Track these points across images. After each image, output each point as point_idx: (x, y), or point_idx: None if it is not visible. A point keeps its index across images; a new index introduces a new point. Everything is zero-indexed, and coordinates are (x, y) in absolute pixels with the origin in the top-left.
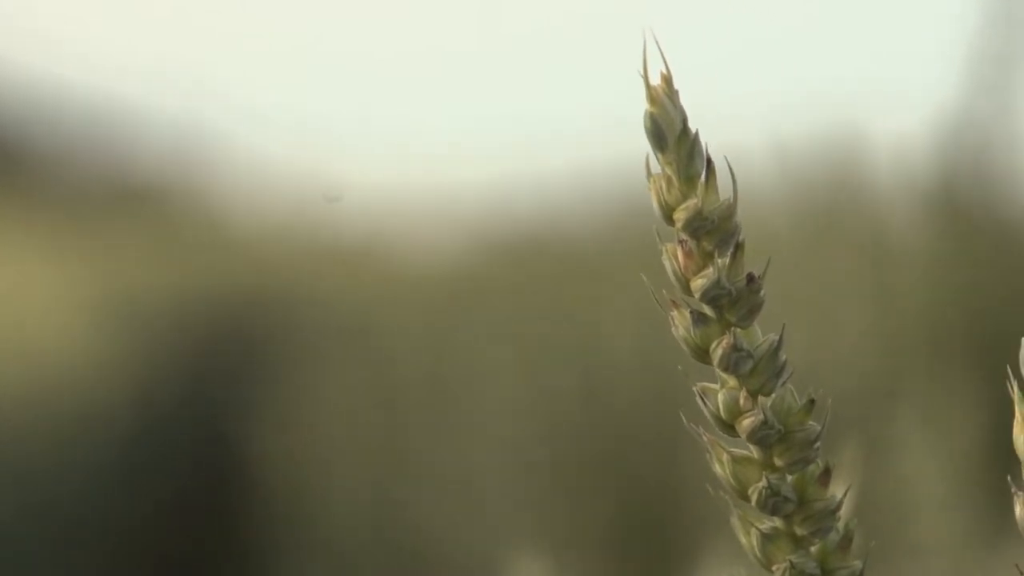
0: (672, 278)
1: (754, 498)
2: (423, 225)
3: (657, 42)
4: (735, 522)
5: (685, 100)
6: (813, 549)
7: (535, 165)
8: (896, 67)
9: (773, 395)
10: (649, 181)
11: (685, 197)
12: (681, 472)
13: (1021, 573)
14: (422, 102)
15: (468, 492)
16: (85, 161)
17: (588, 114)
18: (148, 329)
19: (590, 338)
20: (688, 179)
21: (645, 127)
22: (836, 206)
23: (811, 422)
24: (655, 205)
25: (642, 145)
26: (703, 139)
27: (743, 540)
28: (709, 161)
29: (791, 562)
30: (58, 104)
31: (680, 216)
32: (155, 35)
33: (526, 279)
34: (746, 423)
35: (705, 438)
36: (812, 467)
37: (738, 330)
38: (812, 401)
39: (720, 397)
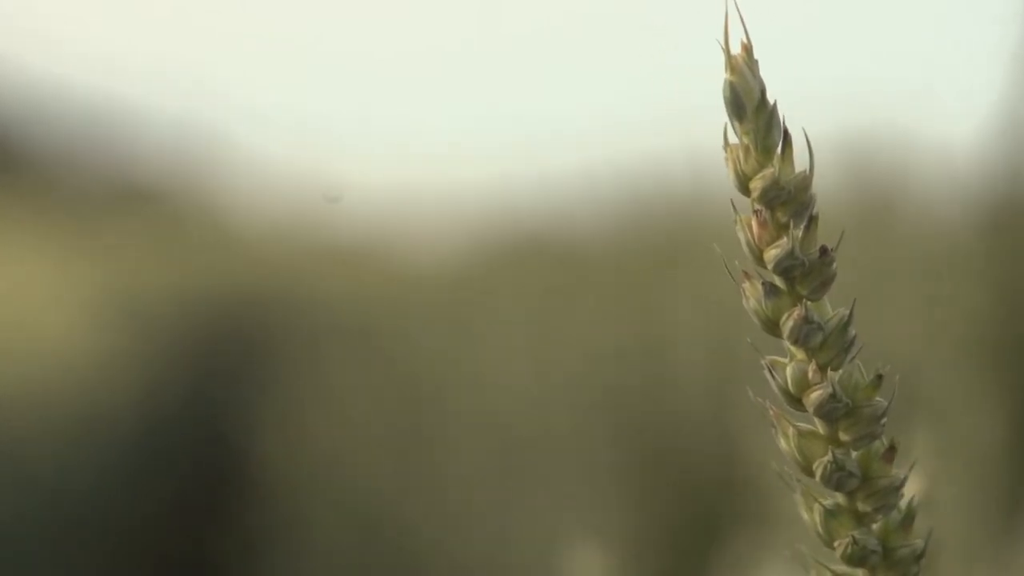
0: (745, 249)
1: (819, 473)
2: (423, 225)
3: (739, 11)
4: (798, 498)
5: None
6: (875, 526)
7: (535, 165)
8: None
9: (841, 369)
10: (726, 151)
11: (762, 167)
12: (687, 471)
13: None
14: (422, 102)
15: (468, 492)
16: (86, 161)
17: (588, 114)
18: (149, 329)
19: (593, 336)
20: (765, 149)
21: (724, 96)
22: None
23: (878, 398)
24: (731, 174)
25: (642, 145)
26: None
27: (805, 516)
28: (786, 132)
29: (853, 538)
30: (59, 104)
31: (756, 185)
32: (155, 35)
33: (527, 279)
34: (814, 396)
35: (771, 412)
36: (877, 444)
37: (809, 303)
38: (880, 377)
39: (788, 370)
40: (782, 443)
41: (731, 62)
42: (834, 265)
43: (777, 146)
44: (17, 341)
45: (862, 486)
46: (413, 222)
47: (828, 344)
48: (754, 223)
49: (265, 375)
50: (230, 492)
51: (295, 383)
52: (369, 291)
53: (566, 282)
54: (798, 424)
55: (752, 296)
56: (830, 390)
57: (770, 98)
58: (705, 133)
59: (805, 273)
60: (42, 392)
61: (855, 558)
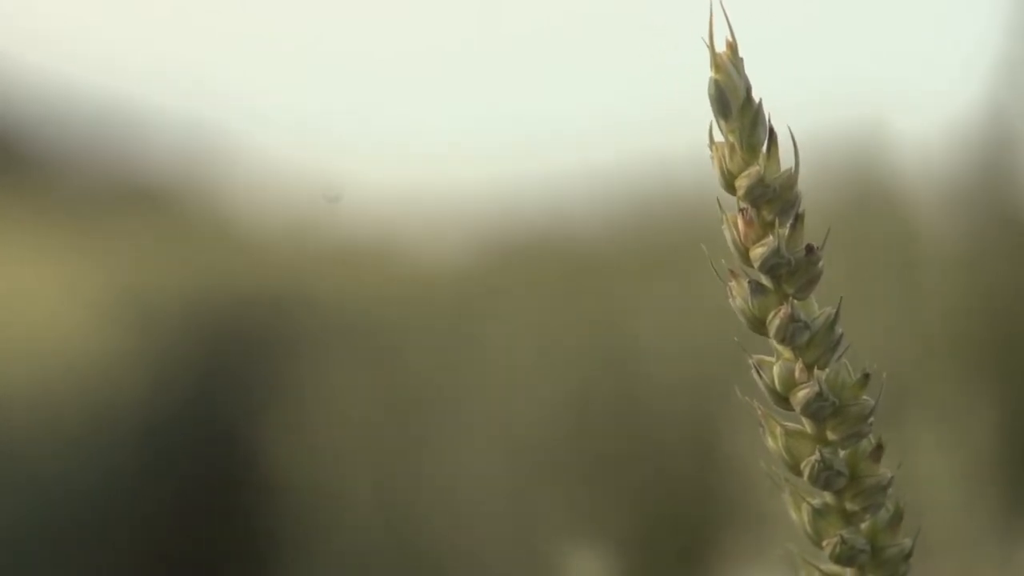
0: (731, 247)
1: (806, 472)
2: (424, 225)
3: (724, 10)
4: (786, 497)
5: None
6: (863, 526)
7: (536, 165)
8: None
9: (828, 368)
10: (712, 149)
11: (747, 165)
12: (686, 472)
13: None
14: (422, 102)
15: (474, 493)
16: (87, 162)
17: (588, 114)
18: (152, 329)
19: (595, 336)
20: (751, 147)
21: (709, 94)
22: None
23: (865, 397)
24: (717, 172)
25: (642, 145)
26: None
27: (794, 515)
28: (771, 130)
29: (842, 537)
30: (61, 105)
31: (742, 183)
32: (155, 35)
33: (528, 278)
34: (801, 395)
35: (759, 411)
36: (864, 442)
37: (795, 301)
38: (867, 375)
39: (776, 369)
40: (770, 442)
41: (716, 60)
42: (820, 263)
43: (762, 144)
44: (20, 341)
45: (850, 485)
46: (413, 222)
47: (815, 342)
48: (740, 221)
49: (267, 374)
50: (233, 492)
51: (297, 382)
52: (370, 291)
53: (567, 282)
54: (786, 423)
55: (739, 295)
56: (817, 389)
57: (755, 96)
58: (706, 133)
59: (791, 271)
60: (45, 392)
61: (844, 557)
